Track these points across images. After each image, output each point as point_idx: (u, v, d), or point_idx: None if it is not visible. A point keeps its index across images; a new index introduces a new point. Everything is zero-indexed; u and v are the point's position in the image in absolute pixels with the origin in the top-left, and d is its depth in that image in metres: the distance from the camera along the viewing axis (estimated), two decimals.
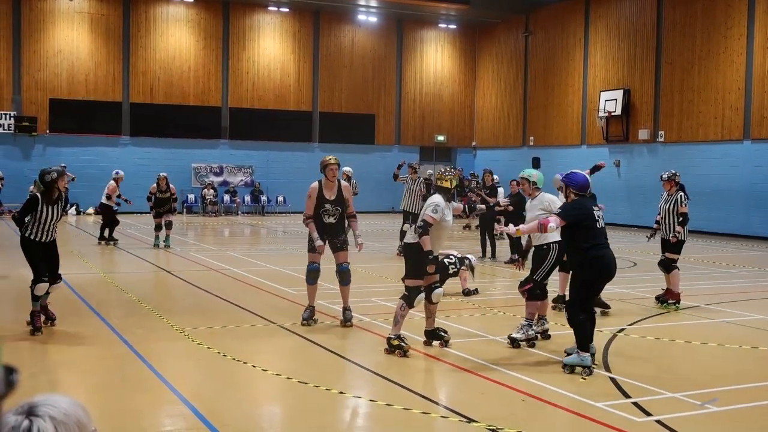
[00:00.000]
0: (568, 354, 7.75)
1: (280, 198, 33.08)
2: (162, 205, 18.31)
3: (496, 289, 13.34)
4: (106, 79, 30.97)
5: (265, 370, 7.47)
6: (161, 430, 5.84)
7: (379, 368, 7.56)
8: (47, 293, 9.04)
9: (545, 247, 8.68)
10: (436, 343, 8.51)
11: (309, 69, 34.05)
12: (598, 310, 9.16)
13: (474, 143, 37.18)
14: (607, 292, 12.19)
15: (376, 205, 32.69)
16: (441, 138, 36.49)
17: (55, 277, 9.09)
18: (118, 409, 6.05)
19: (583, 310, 7.50)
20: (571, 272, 7.99)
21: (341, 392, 6.75)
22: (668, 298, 11.27)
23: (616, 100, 28.57)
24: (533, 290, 8.68)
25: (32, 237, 8.83)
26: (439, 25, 36.16)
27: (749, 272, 16.17)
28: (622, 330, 9.60)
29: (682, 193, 11.37)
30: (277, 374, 7.33)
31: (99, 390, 6.84)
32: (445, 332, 8.60)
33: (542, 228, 7.54)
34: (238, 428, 5.83)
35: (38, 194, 8.82)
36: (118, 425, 5.78)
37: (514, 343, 8.51)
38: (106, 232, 18.97)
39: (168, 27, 31.82)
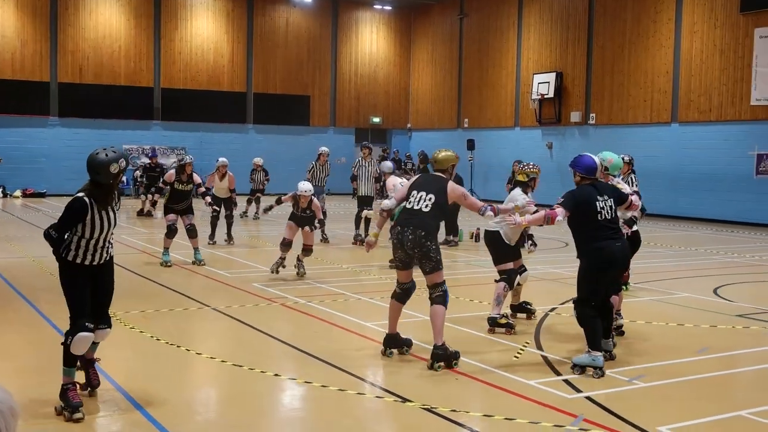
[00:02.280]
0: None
1: None
2: (181, 200, 13.38)
3: None
4: (33, 58, 30.10)
5: (200, 354, 7.42)
6: (94, 416, 5.76)
7: (314, 350, 7.57)
8: (94, 344, 6.18)
9: (635, 227, 8.81)
10: (522, 315, 9.17)
11: (243, 49, 33.64)
12: (523, 315, 9.20)
13: (409, 125, 37.30)
14: (540, 272, 12.40)
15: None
16: (376, 120, 36.51)
17: (103, 320, 6.09)
18: (50, 396, 5.94)
19: (591, 307, 7.03)
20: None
21: (276, 374, 6.74)
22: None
23: (548, 83, 28.95)
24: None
25: (78, 260, 5.85)
26: (375, 6, 36.07)
27: (675, 252, 16.62)
28: (553, 309, 9.79)
29: (633, 175, 11.27)
30: (211, 357, 7.28)
31: (27, 376, 6.70)
32: (530, 304, 9.33)
33: (549, 220, 7.10)
34: (173, 413, 5.78)
35: (87, 198, 5.80)
36: (50, 412, 5.68)
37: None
38: None
39: (97, 5, 31.04)
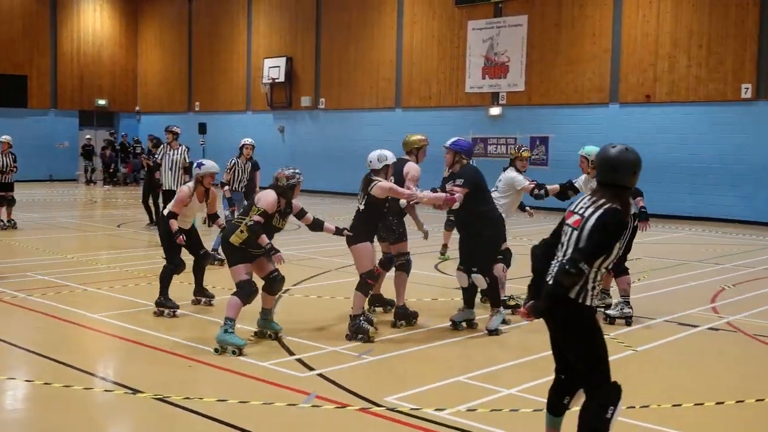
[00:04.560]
0: (457, 321, 8.00)
1: None
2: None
3: (162, 256, 13.05)
4: None
5: None
6: None
7: (35, 346, 7.10)
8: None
9: (645, 215, 8.66)
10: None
11: None
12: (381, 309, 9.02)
13: (138, 108, 35.92)
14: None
15: (33, 174, 30.36)
16: (102, 102, 34.76)
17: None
18: None
19: (491, 270, 7.87)
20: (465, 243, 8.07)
21: None
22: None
23: (279, 67, 29.17)
24: (619, 266, 8.45)
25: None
26: None
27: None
28: (287, 290, 9.91)
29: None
30: None
31: None
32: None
33: (449, 204, 7.68)
34: None
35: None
36: None
37: (608, 319, 8.37)
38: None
39: None
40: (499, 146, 23.96)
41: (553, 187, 9.09)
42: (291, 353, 7.02)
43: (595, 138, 21.28)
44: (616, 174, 4.22)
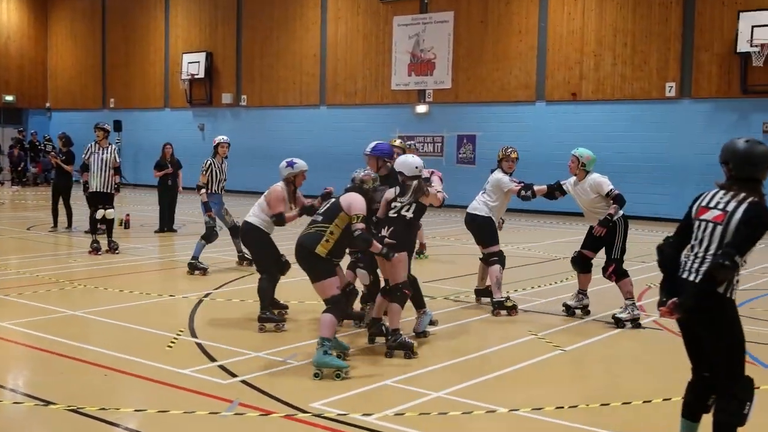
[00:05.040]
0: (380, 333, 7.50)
1: None
2: None
3: (76, 260, 12.77)
4: None
5: None
6: None
7: None
8: None
9: (612, 224, 8.54)
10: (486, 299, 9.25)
11: None
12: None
13: (48, 104, 35.00)
14: (205, 256, 12.31)
15: None
16: (9, 98, 33.78)
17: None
18: None
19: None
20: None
21: None
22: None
23: (198, 62, 28.80)
24: (619, 269, 8.57)
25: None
26: None
27: None
28: (208, 294, 9.79)
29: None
30: None
31: None
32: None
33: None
34: None
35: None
36: None
37: (619, 323, 8.46)
38: None
39: None
40: (426, 145, 24.12)
41: (541, 188, 9.13)
42: (212, 359, 6.93)
43: (523, 137, 21.74)
44: (756, 168, 4.44)
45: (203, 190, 11.78)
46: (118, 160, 13.36)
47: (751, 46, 18.60)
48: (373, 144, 8.24)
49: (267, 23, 27.56)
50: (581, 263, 8.93)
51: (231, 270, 11.70)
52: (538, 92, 22.26)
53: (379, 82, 25.17)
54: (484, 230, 9.18)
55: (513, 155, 9.25)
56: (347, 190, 7.03)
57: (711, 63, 19.83)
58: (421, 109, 24.32)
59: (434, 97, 24.19)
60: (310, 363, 6.83)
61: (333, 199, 6.97)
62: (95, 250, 12.95)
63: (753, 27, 18.70)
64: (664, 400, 6.06)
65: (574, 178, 8.86)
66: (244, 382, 6.29)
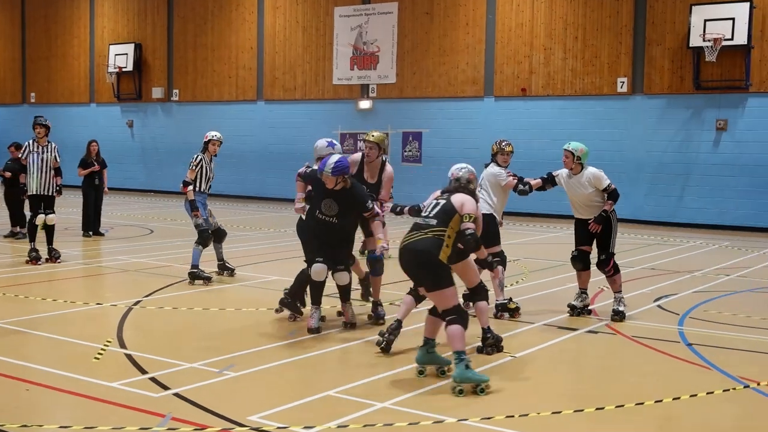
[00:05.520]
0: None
1: None
2: None
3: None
4: None
5: None
6: None
7: None
8: None
9: (608, 219, 8.89)
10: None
11: None
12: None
13: None
14: (122, 262, 12.18)
15: None
16: None
17: None
18: None
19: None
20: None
21: None
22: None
23: (126, 54, 28.40)
24: (615, 265, 9.07)
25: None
26: None
27: (265, 234, 17.33)
28: (138, 302, 9.67)
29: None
30: None
31: None
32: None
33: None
34: None
35: None
36: None
37: (621, 316, 9.01)
38: None
39: None
40: None
41: (536, 181, 9.41)
42: (143, 371, 6.84)
43: (471, 134, 21.93)
44: None
45: (190, 188, 11.21)
46: (58, 160, 12.72)
47: (704, 40, 19.00)
48: (332, 162, 7.95)
49: (200, 13, 27.31)
50: (582, 260, 9.19)
51: (163, 276, 11.57)
52: (487, 87, 22.46)
53: (320, 77, 25.13)
54: (488, 229, 9.17)
55: (508, 148, 9.42)
56: (449, 190, 7.06)
57: (663, 58, 20.22)
58: (365, 104, 24.35)
59: (378, 92, 24.23)
60: (249, 374, 6.78)
61: (443, 201, 6.91)
62: (34, 259, 12.30)
63: (705, 21, 19.11)
64: (617, 407, 6.16)
65: (567, 170, 9.17)
66: (177, 395, 6.22)
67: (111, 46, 28.93)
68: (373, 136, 8.84)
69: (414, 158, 23.46)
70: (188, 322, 8.85)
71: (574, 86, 21.28)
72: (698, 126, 19.86)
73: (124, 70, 28.42)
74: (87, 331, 8.19)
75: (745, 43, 18.84)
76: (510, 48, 22.04)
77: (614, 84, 20.72)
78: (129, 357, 7.29)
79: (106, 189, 16.31)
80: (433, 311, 6.88)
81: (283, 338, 8.11)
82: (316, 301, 8.33)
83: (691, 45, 19.44)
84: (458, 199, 6.88)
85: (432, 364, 6.85)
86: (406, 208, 7.86)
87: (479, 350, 7.57)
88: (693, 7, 19.45)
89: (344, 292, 8.52)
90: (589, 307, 9.42)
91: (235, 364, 7.09)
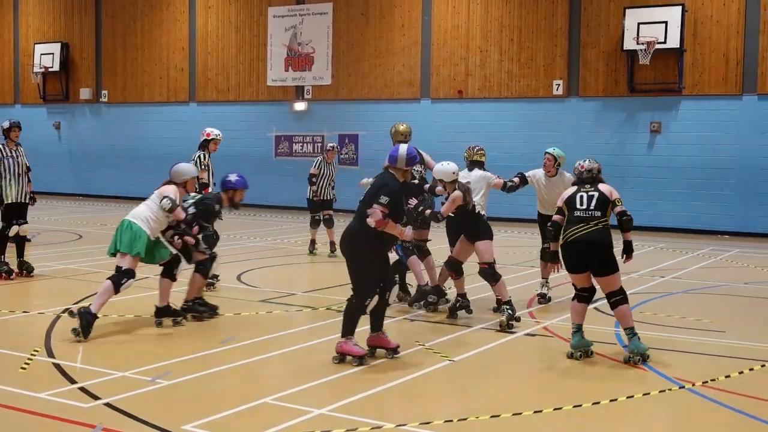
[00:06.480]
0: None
1: None
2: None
3: None
4: None
5: None
6: None
7: None
8: None
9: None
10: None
11: None
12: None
13: None
14: (51, 268, 11.93)
15: None
16: None
17: None
18: None
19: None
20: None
21: None
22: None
23: (53, 54, 27.86)
24: None
25: None
26: None
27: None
28: (66, 310, 9.49)
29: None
30: None
31: None
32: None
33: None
34: None
35: None
36: None
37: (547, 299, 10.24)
38: None
39: None
40: (305, 145, 24.11)
41: (516, 179, 10.25)
42: (72, 381, 6.73)
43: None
44: None
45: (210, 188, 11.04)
46: (24, 162, 11.84)
47: (638, 43, 19.37)
48: (404, 153, 7.75)
49: (130, 12, 26.93)
50: (552, 255, 9.22)
51: (92, 282, 11.37)
52: (423, 89, 22.57)
53: (254, 78, 24.99)
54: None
55: (481, 152, 9.97)
56: (585, 182, 7.85)
57: (598, 60, 20.56)
58: (300, 106, 24.27)
59: (313, 93, 24.18)
60: (183, 382, 6.71)
61: (594, 192, 7.71)
62: (6, 273, 11.52)
63: (639, 24, 19.48)
64: (555, 409, 6.24)
65: (543, 172, 10.32)
66: (108, 404, 6.13)
67: (36, 45, 28.34)
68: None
69: (350, 161, 23.45)
70: (119, 330, 8.71)
71: (510, 88, 21.51)
72: (633, 128, 20.24)
73: (50, 70, 27.86)
74: (12, 341, 8.02)
75: (678, 46, 19.26)
76: (446, 50, 22.19)
77: (550, 86, 21.00)
78: (57, 366, 7.15)
79: (32, 194, 15.86)
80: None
81: (217, 344, 8.04)
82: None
83: (625, 48, 19.79)
84: (605, 188, 7.79)
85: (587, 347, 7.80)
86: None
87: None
88: (627, 10, 19.81)
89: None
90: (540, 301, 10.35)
91: (171, 371, 7.00)
